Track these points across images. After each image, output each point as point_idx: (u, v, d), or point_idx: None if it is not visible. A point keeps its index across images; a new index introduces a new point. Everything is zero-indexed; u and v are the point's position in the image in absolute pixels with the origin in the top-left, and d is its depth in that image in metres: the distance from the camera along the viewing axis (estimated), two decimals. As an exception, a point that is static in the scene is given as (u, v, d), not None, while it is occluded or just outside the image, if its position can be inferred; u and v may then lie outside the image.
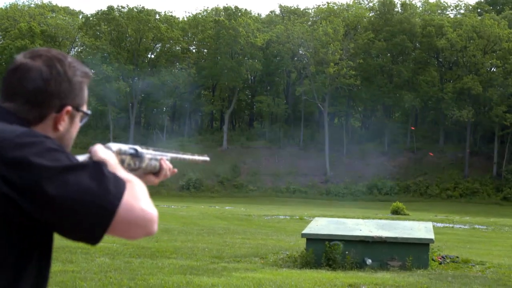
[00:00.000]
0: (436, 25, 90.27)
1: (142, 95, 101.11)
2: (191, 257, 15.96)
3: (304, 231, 15.66)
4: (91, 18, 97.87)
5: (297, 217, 38.26)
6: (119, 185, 1.82)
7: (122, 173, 1.94)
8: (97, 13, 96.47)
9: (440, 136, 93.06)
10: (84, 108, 2.12)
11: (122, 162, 2.15)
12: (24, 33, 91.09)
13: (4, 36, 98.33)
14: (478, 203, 75.44)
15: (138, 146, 2.27)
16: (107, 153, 2.03)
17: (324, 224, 16.53)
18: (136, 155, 2.24)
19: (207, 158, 2.76)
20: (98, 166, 1.83)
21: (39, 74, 1.97)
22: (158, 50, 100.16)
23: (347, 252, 14.76)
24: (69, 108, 2.02)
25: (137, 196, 1.85)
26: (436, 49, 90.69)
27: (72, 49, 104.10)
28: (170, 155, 2.45)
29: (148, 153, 2.31)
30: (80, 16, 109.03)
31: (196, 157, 2.65)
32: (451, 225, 37.45)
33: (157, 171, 2.33)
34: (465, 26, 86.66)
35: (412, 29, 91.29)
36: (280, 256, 16.81)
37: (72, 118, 2.06)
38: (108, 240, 18.41)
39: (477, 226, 37.65)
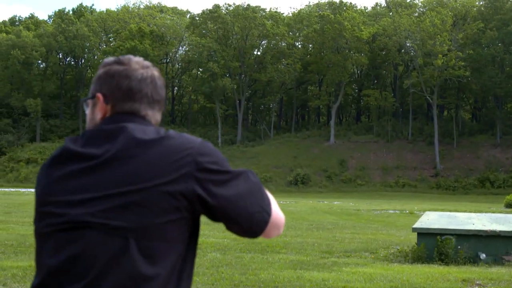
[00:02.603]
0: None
1: (249, 91, 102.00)
2: (301, 252, 16.00)
3: (415, 226, 15.44)
4: (197, 18, 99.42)
5: (407, 212, 37.77)
6: (267, 195, 2.15)
7: None
8: (204, 12, 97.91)
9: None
10: None
11: None
12: (134, 34, 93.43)
13: (115, 37, 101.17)
14: None
15: None
16: None
17: (435, 218, 16.25)
18: None
19: None
20: (252, 174, 2.14)
21: (163, 83, 2.25)
22: (264, 46, 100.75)
23: (459, 247, 14.45)
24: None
25: (275, 203, 2.18)
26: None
27: (180, 48, 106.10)
28: None
29: None
30: (188, 16, 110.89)
31: None
32: None
33: None
34: None
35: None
36: (391, 251, 16.63)
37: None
38: (218, 236, 18.69)
39: None
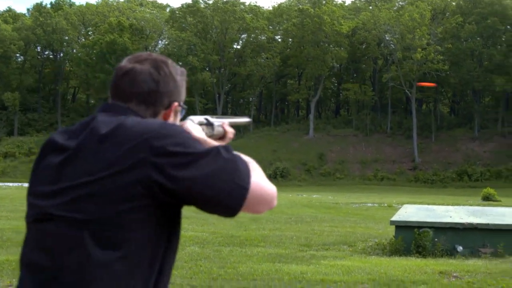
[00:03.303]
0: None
1: (229, 85, 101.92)
2: (280, 245, 16.03)
3: (393, 218, 15.53)
4: (177, 12, 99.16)
5: (385, 205, 37.94)
6: (246, 165, 2.04)
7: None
8: (183, 6, 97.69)
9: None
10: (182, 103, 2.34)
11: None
12: (113, 27, 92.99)
13: (94, 31, 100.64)
14: None
15: (207, 115, 2.55)
16: (199, 131, 2.37)
17: (413, 211, 16.36)
18: (209, 124, 2.53)
19: (247, 119, 3.01)
20: (227, 149, 2.04)
21: (149, 76, 2.19)
22: (243, 40, 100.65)
23: (437, 239, 14.55)
24: (176, 104, 2.26)
25: (259, 174, 2.08)
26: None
27: (159, 42, 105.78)
28: (219, 119, 2.65)
29: (214, 121, 2.57)
30: (167, 10, 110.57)
31: (237, 120, 2.85)
32: (545, 211, 36.39)
33: (222, 136, 2.59)
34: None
35: (503, 11, 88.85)
36: (369, 244, 16.71)
37: (175, 113, 2.28)
38: (197, 230, 18.70)
39: None
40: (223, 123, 2.61)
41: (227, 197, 1.96)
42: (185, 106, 2.32)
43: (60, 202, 2.00)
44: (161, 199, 1.98)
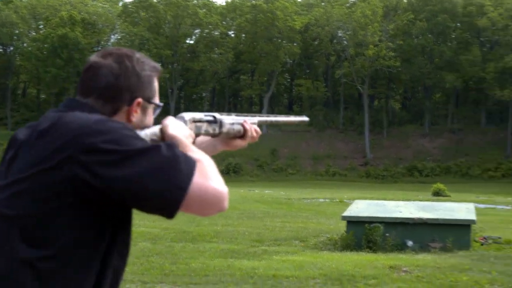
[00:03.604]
0: (477, 4, 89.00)
1: (182, 80, 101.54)
2: (232, 241, 16.07)
3: (344, 214, 15.67)
4: (129, 6, 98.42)
5: (337, 200, 38.21)
6: (190, 165, 1.91)
7: (193, 151, 2.06)
8: (136, 0, 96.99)
9: (482, 116, 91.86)
10: (156, 100, 2.24)
11: (198, 129, 2.37)
12: (65, 21, 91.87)
13: (45, 25, 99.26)
14: (521, 184, 74.42)
15: (216, 113, 2.46)
16: (178, 127, 2.20)
17: (364, 207, 16.51)
18: (215, 121, 2.44)
19: (305, 118, 2.99)
20: (169, 147, 1.93)
21: (109, 70, 2.12)
22: (197, 35, 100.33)
23: (387, 234, 14.73)
24: (140, 100, 2.16)
25: (207, 175, 1.94)
26: (478, 28, 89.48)
27: (112, 36, 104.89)
28: (259, 119, 2.63)
29: (228, 119, 2.49)
30: (120, 4, 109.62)
31: (292, 118, 2.85)
32: (493, 206, 37.03)
33: (242, 134, 2.53)
34: (506, 4, 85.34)
35: (453, 8, 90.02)
36: (321, 239, 16.84)
37: (144, 109, 2.19)
38: (149, 225, 18.62)
39: (520, 207, 37.19)
40: (245, 121, 2.52)
41: (160, 198, 1.87)
42: (159, 103, 2.24)
43: (2, 198, 1.96)
44: (91, 198, 1.90)
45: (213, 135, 2.46)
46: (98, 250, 1.98)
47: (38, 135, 1.97)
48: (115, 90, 2.11)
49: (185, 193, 1.87)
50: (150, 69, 2.21)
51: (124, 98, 2.13)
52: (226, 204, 1.97)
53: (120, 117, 2.13)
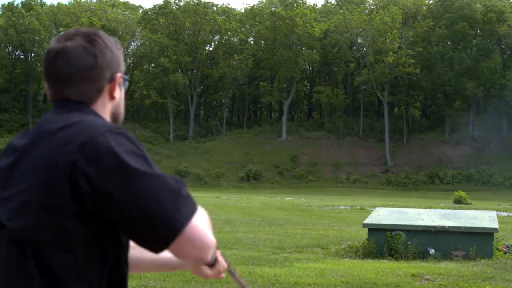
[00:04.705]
0: (497, 11, 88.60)
1: (201, 87, 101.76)
2: (253, 248, 16.04)
3: (366, 221, 15.60)
4: (149, 12, 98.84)
5: (358, 207, 38.11)
6: (191, 207, 1.84)
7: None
8: (155, 7, 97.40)
9: (503, 123, 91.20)
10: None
11: None
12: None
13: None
14: (544, 192, 73.80)
15: None
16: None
17: (385, 214, 16.43)
18: None
19: None
20: (177, 182, 1.84)
21: (84, 51, 2.01)
22: (216, 42, 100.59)
23: (409, 242, 14.64)
24: (119, 75, 2.09)
25: (203, 222, 1.87)
26: (498, 35, 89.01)
27: (132, 43, 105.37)
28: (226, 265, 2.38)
29: None
30: (140, 11, 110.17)
31: (242, 282, 2.55)
32: (515, 214, 36.76)
33: (212, 264, 2.27)
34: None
35: (473, 15, 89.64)
36: (342, 247, 16.78)
37: (119, 85, 2.11)
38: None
39: (542, 215, 36.87)
40: (219, 252, 2.32)
41: (154, 233, 1.80)
42: (127, 77, 2.17)
43: (4, 210, 1.86)
44: (92, 211, 1.82)
45: None
46: (108, 261, 1.91)
47: (40, 142, 1.89)
48: (96, 70, 2.01)
49: (177, 234, 1.80)
50: (115, 43, 2.13)
51: (105, 76, 2.03)
52: (210, 255, 1.89)
53: (104, 97, 2.05)
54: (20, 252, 1.83)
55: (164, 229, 1.78)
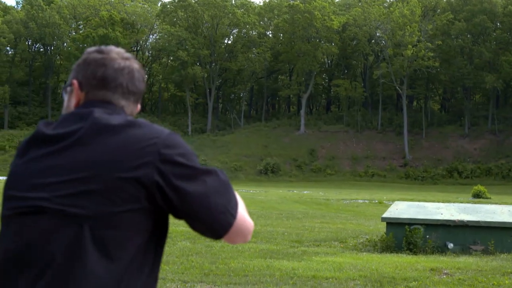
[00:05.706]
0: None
1: (220, 80, 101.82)
2: (271, 241, 16.03)
3: (384, 215, 15.54)
4: (168, 6, 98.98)
5: (376, 201, 38.02)
6: (235, 194, 2.09)
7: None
8: (174, 0, 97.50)
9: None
10: None
11: None
12: (104, 21, 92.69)
13: (85, 25, 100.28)
14: None
15: None
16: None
17: (404, 208, 16.36)
18: None
19: None
20: (225, 176, 2.07)
21: (143, 76, 2.24)
22: (234, 35, 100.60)
23: (428, 236, 14.58)
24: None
25: (245, 208, 2.14)
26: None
27: (151, 36, 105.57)
28: None
29: None
30: (159, 4, 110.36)
31: None
32: (535, 209, 36.48)
33: None
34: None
35: (493, 8, 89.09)
36: (360, 240, 16.74)
37: None
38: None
39: (562, 210, 36.57)
40: None
41: (216, 219, 2.01)
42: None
43: (56, 195, 1.93)
44: (159, 205, 2.00)
45: None
46: (152, 255, 2.06)
47: (103, 135, 1.99)
48: (142, 94, 2.28)
49: (234, 219, 2.04)
50: None
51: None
52: (250, 236, 2.15)
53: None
54: (79, 232, 1.91)
55: (224, 214, 2.02)
